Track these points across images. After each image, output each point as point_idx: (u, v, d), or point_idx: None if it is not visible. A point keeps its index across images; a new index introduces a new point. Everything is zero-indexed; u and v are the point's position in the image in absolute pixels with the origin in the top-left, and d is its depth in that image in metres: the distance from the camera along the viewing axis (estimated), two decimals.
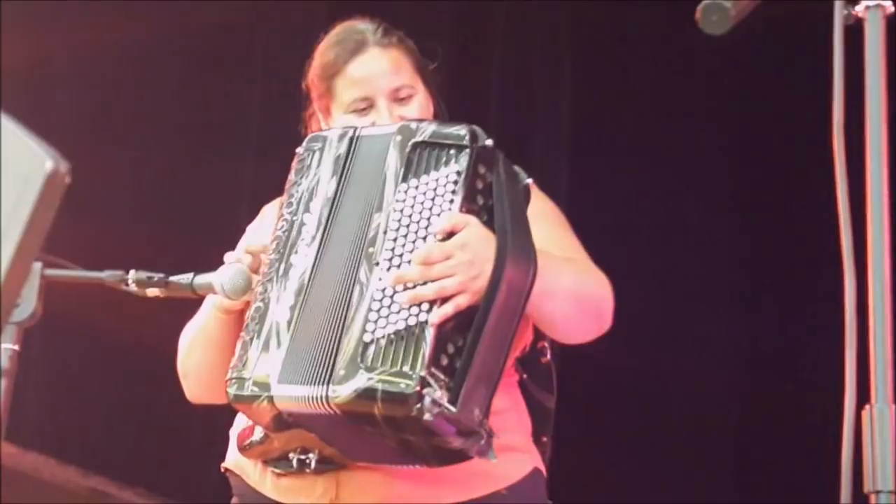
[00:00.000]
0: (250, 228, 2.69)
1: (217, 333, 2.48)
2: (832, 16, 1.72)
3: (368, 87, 2.55)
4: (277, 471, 2.40)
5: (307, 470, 2.34)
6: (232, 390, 2.25)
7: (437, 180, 2.23)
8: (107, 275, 2.48)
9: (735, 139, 4.39)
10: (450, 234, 2.19)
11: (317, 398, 2.17)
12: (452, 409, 2.10)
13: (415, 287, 2.17)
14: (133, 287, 2.46)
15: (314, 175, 2.37)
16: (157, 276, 2.45)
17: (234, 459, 2.51)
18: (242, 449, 2.41)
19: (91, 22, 4.58)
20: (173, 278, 2.45)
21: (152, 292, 2.46)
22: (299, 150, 2.43)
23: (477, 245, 2.18)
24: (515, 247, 2.21)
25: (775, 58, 4.17)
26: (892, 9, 1.73)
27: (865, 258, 1.66)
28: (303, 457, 2.34)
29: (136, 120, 4.60)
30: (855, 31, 1.73)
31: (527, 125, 4.50)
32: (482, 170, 2.23)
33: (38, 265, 2.35)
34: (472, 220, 2.20)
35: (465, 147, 2.24)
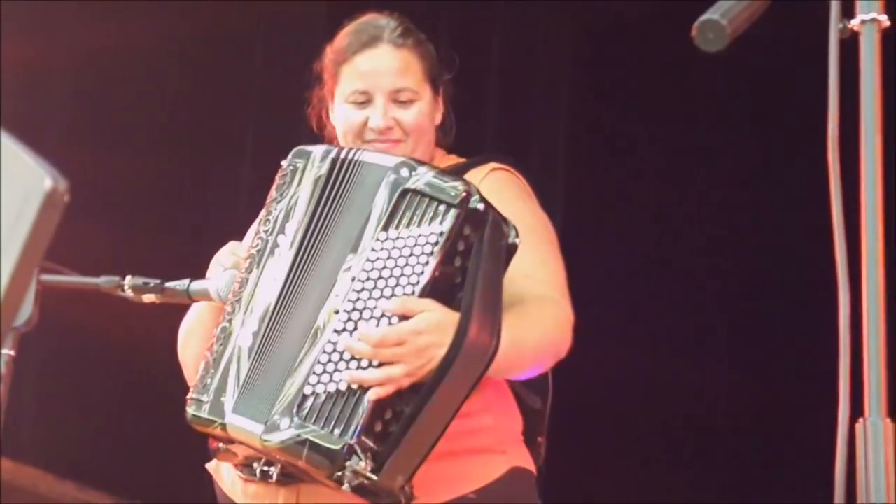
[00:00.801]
0: (252, 230, 2.68)
1: (212, 321, 2.46)
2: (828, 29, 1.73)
3: (370, 82, 2.54)
4: (242, 476, 2.43)
5: (269, 480, 2.36)
6: (190, 411, 2.28)
7: (417, 237, 2.19)
8: (103, 280, 2.48)
9: (738, 142, 4.39)
10: (402, 316, 2.16)
11: (253, 435, 2.20)
12: (374, 478, 2.12)
13: (360, 364, 2.15)
14: (129, 293, 2.46)
15: (293, 194, 2.35)
16: (153, 281, 2.46)
17: (213, 465, 2.54)
18: (213, 452, 2.43)
19: (89, 24, 4.58)
20: (169, 284, 2.45)
21: (148, 298, 2.46)
22: (284, 163, 2.41)
23: (432, 333, 2.15)
24: (478, 328, 2.18)
25: (777, 64, 4.17)
26: (888, 23, 1.73)
27: (860, 270, 1.66)
28: (266, 468, 2.35)
29: (133, 121, 4.60)
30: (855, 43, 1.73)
31: (525, 127, 4.50)
32: (467, 231, 2.20)
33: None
34: (430, 306, 2.16)
35: (454, 206, 2.20)
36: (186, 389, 2.57)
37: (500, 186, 2.39)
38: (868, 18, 1.72)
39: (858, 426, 1.62)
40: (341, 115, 2.57)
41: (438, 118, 2.63)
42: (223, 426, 2.24)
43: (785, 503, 4.01)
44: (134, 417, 4.40)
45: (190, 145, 4.59)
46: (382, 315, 2.17)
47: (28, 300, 2.30)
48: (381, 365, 2.15)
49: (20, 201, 1.14)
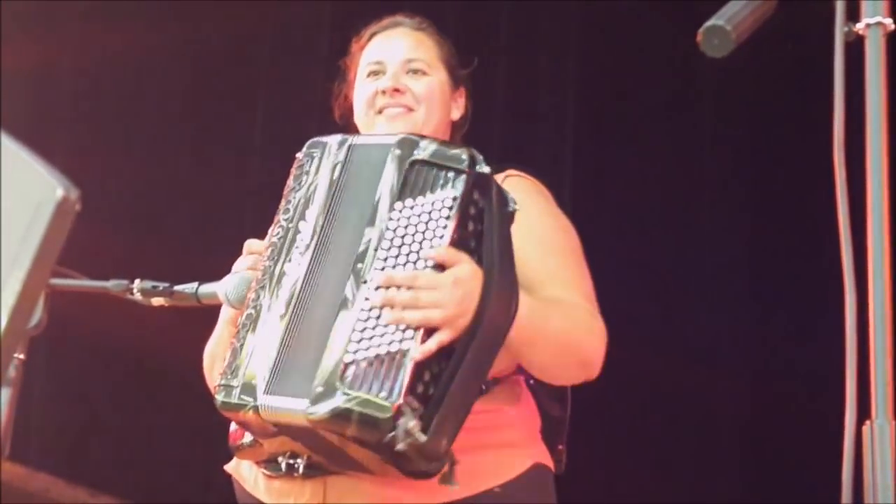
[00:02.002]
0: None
1: None
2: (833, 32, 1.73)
3: (385, 53, 2.63)
4: (267, 472, 2.43)
5: (295, 474, 2.37)
6: (220, 397, 2.27)
7: (432, 203, 2.23)
8: (112, 284, 2.49)
9: (745, 145, 4.39)
10: (439, 266, 2.20)
11: (296, 411, 2.18)
12: (423, 437, 2.12)
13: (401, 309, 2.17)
14: (138, 296, 2.48)
15: (312, 182, 2.37)
16: (161, 285, 2.47)
17: (233, 464, 2.54)
18: (233, 449, 2.43)
19: (94, 26, 4.59)
20: (178, 287, 2.46)
21: (157, 301, 2.47)
22: (299, 154, 2.43)
23: (467, 283, 2.18)
24: (500, 284, 2.22)
25: (783, 64, 4.17)
26: (893, 26, 1.73)
27: (867, 273, 1.67)
28: (291, 461, 2.36)
29: (139, 125, 4.61)
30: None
31: (531, 126, 4.51)
32: (476, 196, 2.24)
33: None
34: (464, 258, 2.20)
35: (463, 172, 2.23)
36: (197, 394, 2.58)
37: (520, 193, 2.40)
38: (873, 22, 1.72)
39: (865, 428, 1.62)
40: (358, 92, 2.65)
41: (457, 114, 2.68)
42: (255, 408, 2.22)
43: (797, 496, 4.01)
44: (145, 421, 4.40)
45: (197, 148, 4.59)
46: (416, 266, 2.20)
47: (37, 303, 2.31)
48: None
49: (32, 210, 1.15)
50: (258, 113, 4.63)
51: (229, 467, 2.55)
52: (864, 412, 1.63)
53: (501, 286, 2.23)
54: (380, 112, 2.59)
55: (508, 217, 2.29)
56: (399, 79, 2.59)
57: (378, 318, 2.18)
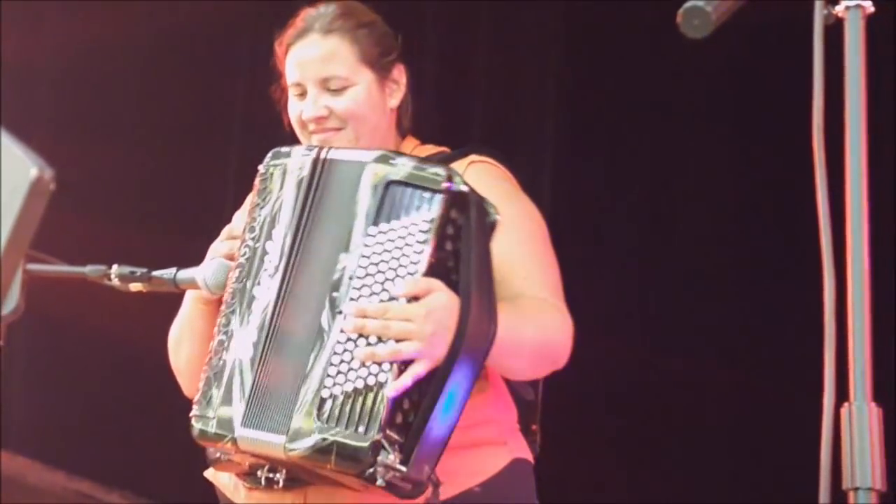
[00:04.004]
0: (236, 216, 2.67)
1: (201, 324, 2.46)
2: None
3: (300, 74, 2.53)
4: (247, 485, 2.41)
5: (275, 487, 2.34)
6: (197, 426, 2.26)
7: (408, 227, 2.19)
8: (89, 269, 2.48)
9: (727, 135, 4.40)
10: (413, 296, 2.17)
11: (275, 446, 2.18)
12: (403, 469, 2.13)
13: (373, 343, 2.15)
14: (116, 281, 2.46)
15: (276, 198, 2.32)
16: (139, 270, 2.45)
17: (211, 472, 2.51)
18: (211, 462, 2.41)
19: (76, 19, 4.58)
20: (156, 273, 2.45)
21: (135, 287, 2.46)
22: (261, 167, 2.38)
23: (440, 313, 2.15)
24: (478, 309, 2.19)
25: (768, 56, 4.17)
26: (872, 8, 1.73)
27: (845, 256, 1.67)
28: (271, 475, 2.32)
29: (120, 115, 4.60)
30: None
31: (512, 122, 4.50)
32: (454, 214, 2.20)
33: None
34: (437, 285, 2.17)
35: (440, 192, 2.20)
36: (174, 378, 2.57)
37: (481, 181, 2.36)
38: (852, 4, 1.72)
39: (844, 411, 1.62)
40: (289, 108, 2.57)
41: (395, 102, 2.57)
42: (234, 440, 2.22)
43: (771, 488, 4.02)
44: (122, 406, 4.40)
45: (177, 137, 4.59)
46: (391, 298, 2.17)
47: (14, 289, 2.30)
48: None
49: (6, 191, 1.14)
50: (239, 102, 4.62)
51: (208, 474, 2.52)
52: (842, 395, 1.64)
53: (480, 307, 2.20)
54: (312, 133, 2.52)
55: (489, 229, 2.26)
56: (319, 103, 2.49)
57: (353, 351, 2.16)
